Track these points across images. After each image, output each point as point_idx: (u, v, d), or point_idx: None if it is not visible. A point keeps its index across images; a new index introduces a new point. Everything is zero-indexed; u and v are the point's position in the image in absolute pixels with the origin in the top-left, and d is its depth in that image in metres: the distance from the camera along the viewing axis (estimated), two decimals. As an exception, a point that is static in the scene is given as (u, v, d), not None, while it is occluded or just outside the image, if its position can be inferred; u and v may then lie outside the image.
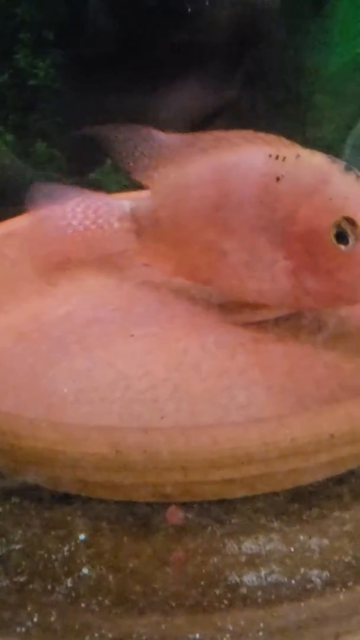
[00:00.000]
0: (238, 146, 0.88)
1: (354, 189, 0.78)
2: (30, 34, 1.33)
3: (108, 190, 1.33)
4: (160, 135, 0.94)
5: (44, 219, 0.99)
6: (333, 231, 0.78)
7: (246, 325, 0.91)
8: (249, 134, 0.88)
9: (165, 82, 1.29)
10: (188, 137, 0.93)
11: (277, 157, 0.84)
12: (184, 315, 0.96)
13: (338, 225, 0.77)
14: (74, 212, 0.99)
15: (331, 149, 1.29)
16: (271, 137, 0.87)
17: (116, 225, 0.98)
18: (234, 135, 0.89)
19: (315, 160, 0.82)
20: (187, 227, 0.93)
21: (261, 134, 0.88)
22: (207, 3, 1.20)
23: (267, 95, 1.27)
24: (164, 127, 0.96)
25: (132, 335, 0.91)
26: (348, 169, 0.79)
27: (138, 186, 1.33)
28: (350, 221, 0.77)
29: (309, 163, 0.82)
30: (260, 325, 0.92)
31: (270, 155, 0.84)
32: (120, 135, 0.97)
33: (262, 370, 0.85)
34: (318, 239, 0.79)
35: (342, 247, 0.77)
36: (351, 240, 0.77)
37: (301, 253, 0.82)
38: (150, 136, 0.95)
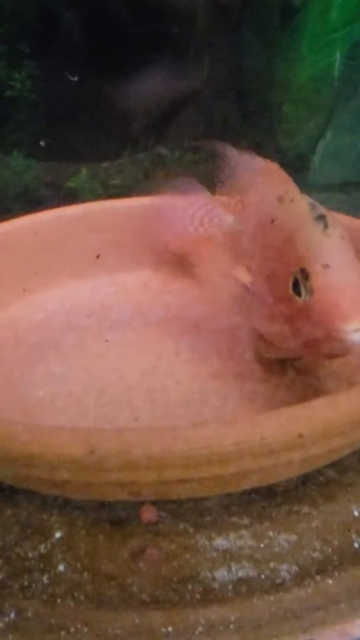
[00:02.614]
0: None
1: (317, 240, 0.75)
2: (6, 47, 1.34)
3: (84, 199, 1.35)
4: (256, 161, 0.93)
5: (163, 210, 1.01)
6: (291, 281, 0.75)
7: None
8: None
9: (133, 73, 1.30)
10: (270, 164, 0.91)
11: (279, 199, 0.83)
12: (157, 322, 0.97)
13: (294, 276, 0.75)
14: (191, 211, 1.00)
15: (301, 158, 1.31)
16: (287, 177, 0.87)
17: (220, 236, 0.98)
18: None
19: (299, 206, 0.80)
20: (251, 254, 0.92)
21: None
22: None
23: (240, 106, 1.29)
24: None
25: (107, 341, 0.92)
26: (320, 218, 0.76)
27: (112, 195, 1.35)
28: (305, 273, 0.73)
29: (295, 208, 0.80)
30: (234, 336, 0.94)
31: (277, 196, 0.84)
32: (223, 153, 0.96)
33: (234, 375, 0.87)
34: (286, 287, 0.76)
35: (298, 298, 0.74)
36: (303, 292, 0.74)
37: (280, 298, 0.80)
38: (247, 160, 0.94)
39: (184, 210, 1.00)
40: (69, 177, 1.44)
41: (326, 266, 0.72)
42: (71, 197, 1.42)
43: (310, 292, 0.72)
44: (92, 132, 1.40)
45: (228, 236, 0.97)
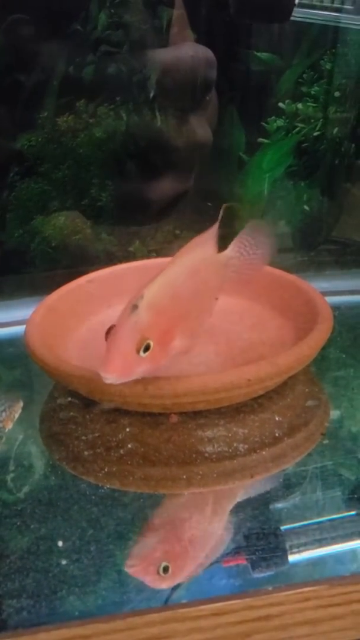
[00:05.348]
0: None
1: (124, 315, 0.63)
2: (98, 180, 1.33)
3: (137, 257, 1.32)
4: None
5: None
6: None
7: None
8: None
9: (156, 181, 1.25)
10: None
11: None
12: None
13: None
14: None
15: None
16: None
17: None
18: None
19: None
20: None
21: None
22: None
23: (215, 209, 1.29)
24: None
25: None
26: (134, 306, 0.62)
27: (151, 255, 1.32)
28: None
29: None
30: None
31: None
32: None
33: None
34: None
35: None
36: None
37: None
38: None
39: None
40: (128, 245, 1.44)
41: (115, 331, 0.62)
42: (131, 256, 1.40)
43: None
44: (135, 212, 1.37)
45: None
